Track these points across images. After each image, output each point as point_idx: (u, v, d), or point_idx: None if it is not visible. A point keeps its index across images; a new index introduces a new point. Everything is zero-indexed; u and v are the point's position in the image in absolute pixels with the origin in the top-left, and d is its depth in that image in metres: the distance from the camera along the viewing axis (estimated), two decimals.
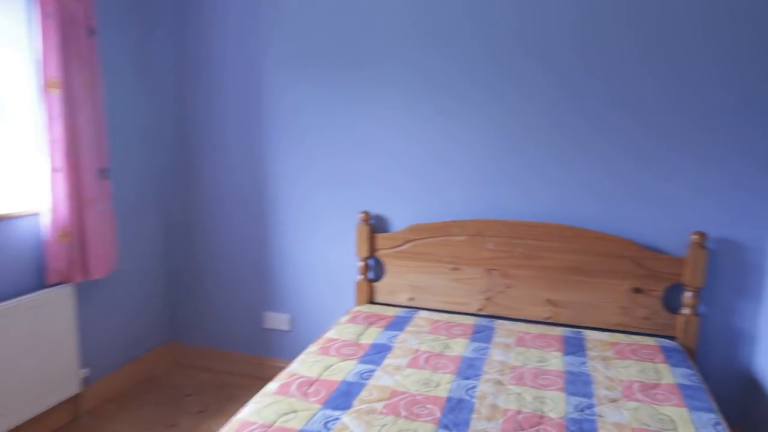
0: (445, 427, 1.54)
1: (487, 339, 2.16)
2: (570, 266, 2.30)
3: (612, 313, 2.28)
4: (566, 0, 2.20)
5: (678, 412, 1.63)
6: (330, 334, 2.19)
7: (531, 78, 2.29)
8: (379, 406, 1.64)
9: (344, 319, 2.37)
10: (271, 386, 1.76)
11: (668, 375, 1.87)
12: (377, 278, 2.62)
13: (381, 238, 2.54)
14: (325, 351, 2.03)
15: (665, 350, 2.07)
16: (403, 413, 1.60)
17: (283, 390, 1.73)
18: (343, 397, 1.69)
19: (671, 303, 2.25)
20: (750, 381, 2.19)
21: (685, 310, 2.18)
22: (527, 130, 2.33)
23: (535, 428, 1.54)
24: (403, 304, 2.55)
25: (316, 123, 2.60)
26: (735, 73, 2.06)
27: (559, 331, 2.26)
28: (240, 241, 2.83)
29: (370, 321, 2.33)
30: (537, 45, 2.26)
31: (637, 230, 2.25)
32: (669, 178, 2.19)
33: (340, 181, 2.62)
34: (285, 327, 2.84)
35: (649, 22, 2.12)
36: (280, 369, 2.83)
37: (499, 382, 1.81)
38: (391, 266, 2.54)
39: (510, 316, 2.41)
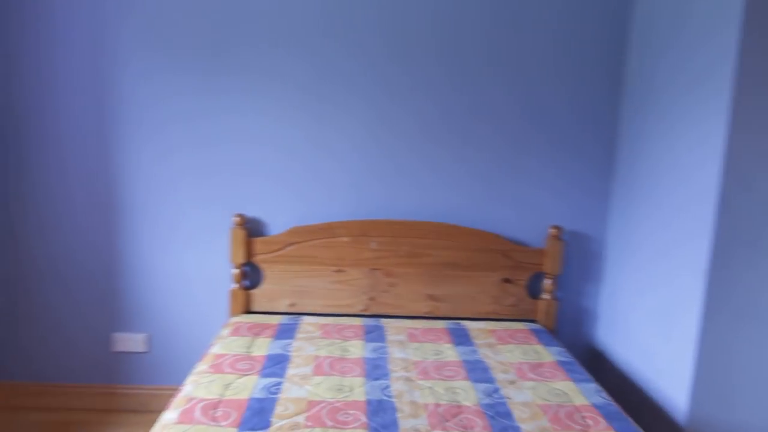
0: (376, 430, 1.50)
1: (381, 338, 2.17)
2: (447, 262, 2.43)
3: (485, 303, 2.46)
4: (427, 12, 2.31)
5: (567, 386, 1.83)
6: (216, 349, 1.99)
7: (401, 86, 2.36)
8: (301, 419, 1.54)
9: (226, 332, 2.17)
10: (170, 416, 1.54)
11: (546, 354, 2.09)
12: (253, 286, 2.46)
13: (259, 243, 2.39)
14: (217, 368, 1.83)
15: (535, 333, 2.30)
16: (329, 423, 1.53)
17: (186, 418, 1.52)
18: (258, 416, 1.55)
19: (533, 290, 2.52)
20: (594, 352, 2.55)
21: (545, 296, 2.46)
22: (401, 135, 2.39)
23: (458, 418, 1.60)
24: (284, 311, 2.43)
25: (180, 114, 2.35)
26: (573, 89, 2.38)
27: (442, 324, 2.37)
28: (80, 250, 2.41)
29: (255, 332, 2.17)
30: (406, 56, 2.33)
31: (504, 226, 2.47)
32: (525, 180, 2.44)
33: (211, 181, 2.40)
34: (140, 348, 2.50)
35: (501, 39, 2.33)
36: (138, 397, 2.49)
37: (408, 379, 1.83)
38: (270, 272, 2.41)
39: (394, 314, 2.45)
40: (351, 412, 1.60)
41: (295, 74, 2.34)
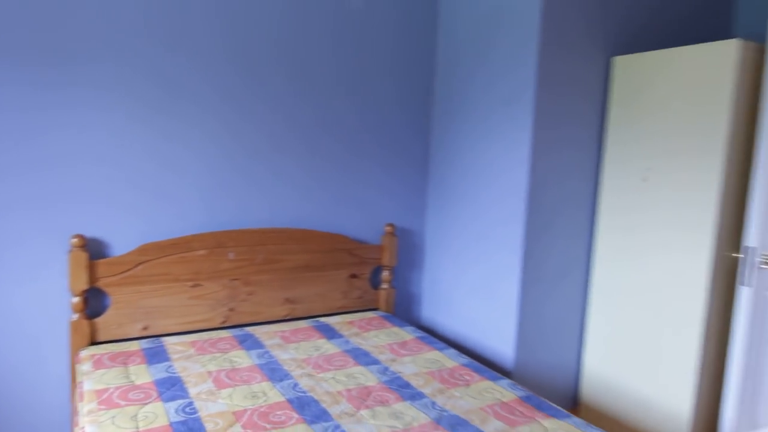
0: (314, 422, 1.62)
1: (259, 345, 2.22)
2: (301, 265, 2.58)
3: (336, 298, 2.69)
4: (273, 32, 2.43)
5: (435, 355, 2.20)
6: (90, 386, 1.78)
7: (249, 101, 2.42)
8: (239, 429, 1.56)
9: (86, 367, 1.93)
10: None
11: (405, 334, 2.43)
12: (96, 314, 2.21)
13: (103, 265, 2.16)
14: (109, 403, 1.67)
15: (385, 318, 2.63)
16: (268, 426, 1.58)
17: None
18: None
19: (374, 282, 2.84)
20: (424, 328, 3.00)
21: (385, 286, 2.81)
22: (251, 149, 2.45)
23: (372, 396, 1.81)
24: (137, 336, 2.25)
25: (6, 133, 1.98)
26: (400, 104, 2.79)
27: (304, 323, 2.51)
28: None
29: (121, 360, 1.99)
30: (254, 73, 2.41)
31: (349, 227, 2.73)
32: (364, 183, 2.75)
33: (46, 205, 2.07)
34: None
35: (342, 58, 2.61)
36: None
37: (309, 375, 1.95)
38: (118, 296, 2.20)
39: (254, 322, 2.49)
40: (279, 412, 1.67)
41: (141, 90, 2.19)
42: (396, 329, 2.48)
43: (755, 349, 2.13)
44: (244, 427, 1.57)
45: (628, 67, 2.45)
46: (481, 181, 2.57)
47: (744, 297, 2.09)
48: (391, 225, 2.77)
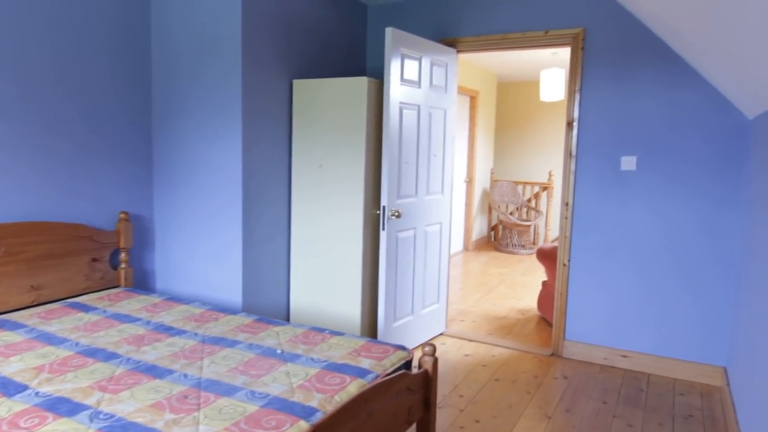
0: (109, 359, 2.14)
1: (21, 325, 2.48)
2: (44, 254, 2.84)
3: (80, 281, 3.02)
4: None
5: (186, 308, 2.85)
6: None
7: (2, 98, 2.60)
8: (46, 375, 1.98)
9: None
10: None
11: (152, 299, 2.98)
12: None
13: None
14: None
15: (130, 291, 3.10)
16: (70, 368, 2.04)
17: None
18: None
19: (114, 263, 3.25)
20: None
21: (123, 266, 3.25)
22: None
23: (146, 339, 2.39)
24: None
25: None
26: (127, 108, 3.24)
27: (55, 305, 2.80)
28: None
29: None
30: None
31: (87, 216, 3.08)
32: (96, 179, 3.13)
33: None
34: None
35: (68, 66, 2.94)
36: None
37: (85, 336, 2.39)
38: None
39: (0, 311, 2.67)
40: (73, 361, 2.12)
41: None
42: (143, 297, 3.01)
43: (393, 270, 3.44)
44: (49, 372, 1.99)
45: (303, 88, 3.47)
46: (206, 173, 3.27)
47: (383, 238, 3.36)
48: (125, 212, 3.22)
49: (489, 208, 8.19)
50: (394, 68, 3.29)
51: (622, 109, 3.47)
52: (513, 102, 8.90)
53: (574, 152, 3.61)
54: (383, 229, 3.34)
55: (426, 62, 3.61)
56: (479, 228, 8.03)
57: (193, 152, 3.31)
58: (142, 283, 3.47)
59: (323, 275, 3.51)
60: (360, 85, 3.31)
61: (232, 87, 3.11)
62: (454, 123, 4.01)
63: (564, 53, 6.24)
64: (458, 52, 3.96)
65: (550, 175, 7.77)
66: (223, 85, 3.14)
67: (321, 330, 2.55)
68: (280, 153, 3.46)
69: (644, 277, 3.48)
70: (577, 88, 3.57)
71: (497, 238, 8.35)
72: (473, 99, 7.43)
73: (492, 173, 8.15)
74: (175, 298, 3.00)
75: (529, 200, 8.06)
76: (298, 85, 3.49)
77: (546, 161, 8.71)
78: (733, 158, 3.23)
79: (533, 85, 8.72)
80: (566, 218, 3.67)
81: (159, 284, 3.54)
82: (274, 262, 3.48)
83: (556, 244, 4.53)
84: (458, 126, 7.17)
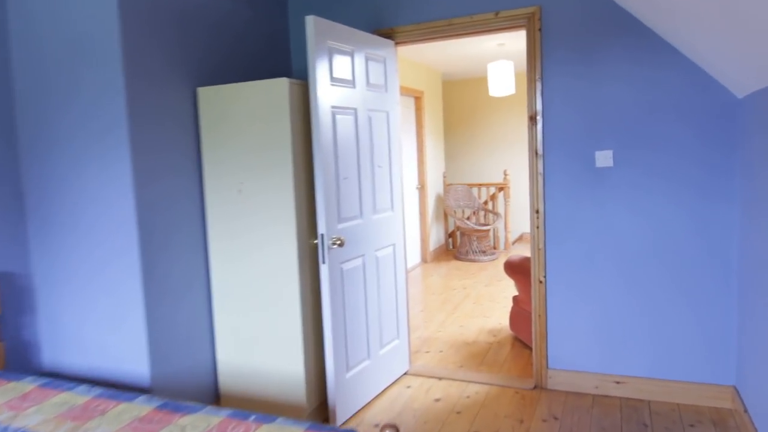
0: None
1: None
2: None
3: None
4: None
5: (66, 397, 2.14)
6: None
7: None
8: None
9: None
10: None
11: (23, 386, 2.25)
12: None
13: None
14: None
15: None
16: None
17: None
18: None
19: None
20: (48, 373, 2.79)
21: None
22: None
23: None
24: None
25: None
26: None
27: None
28: None
29: None
30: None
31: None
32: None
33: None
34: None
35: None
36: None
37: None
38: None
39: None
40: None
41: None
42: (12, 384, 2.28)
43: (340, 310, 2.82)
44: None
45: (210, 97, 2.82)
46: (92, 214, 2.57)
47: (324, 272, 2.74)
48: None
49: (445, 214, 7.68)
50: (320, 66, 2.69)
51: (591, 96, 2.98)
52: (460, 100, 8.45)
53: (540, 150, 3.10)
54: (323, 261, 2.73)
55: (360, 57, 3.02)
56: (436, 236, 7.51)
57: (73, 189, 2.60)
58: (21, 360, 2.72)
59: (255, 326, 2.86)
60: (280, 88, 2.69)
61: (115, 103, 2.43)
62: (400, 126, 3.44)
63: (511, 44, 5.80)
64: (397, 44, 3.40)
65: (506, 174, 7.34)
66: (105, 102, 2.46)
67: (245, 416, 1.90)
68: (187, 180, 2.80)
69: (633, 287, 2.99)
70: (537, 76, 3.07)
71: (456, 245, 7.86)
72: (418, 99, 6.91)
73: (445, 177, 7.65)
74: (53, 383, 2.28)
75: (485, 203, 7.61)
76: (205, 94, 2.83)
77: (500, 160, 8.29)
78: (722, 143, 2.78)
79: (480, 81, 8.30)
80: (538, 227, 3.15)
81: (46, 357, 2.80)
82: (191, 317, 2.80)
83: (524, 255, 4.03)
84: (404, 129, 6.62)
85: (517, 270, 3.82)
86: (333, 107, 2.79)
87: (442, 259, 7.30)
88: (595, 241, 3.04)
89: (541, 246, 3.14)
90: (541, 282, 3.16)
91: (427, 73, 7.14)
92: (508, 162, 8.23)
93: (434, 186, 7.43)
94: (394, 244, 3.37)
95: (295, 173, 2.72)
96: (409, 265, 6.70)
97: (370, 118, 3.12)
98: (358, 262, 3.00)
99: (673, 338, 2.94)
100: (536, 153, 3.11)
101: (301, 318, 2.77)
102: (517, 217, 8.31)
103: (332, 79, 2.79)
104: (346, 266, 2.89)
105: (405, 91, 6.43)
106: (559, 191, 3.09)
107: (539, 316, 3.18)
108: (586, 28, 2.95)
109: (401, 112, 6.42)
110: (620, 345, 3.04)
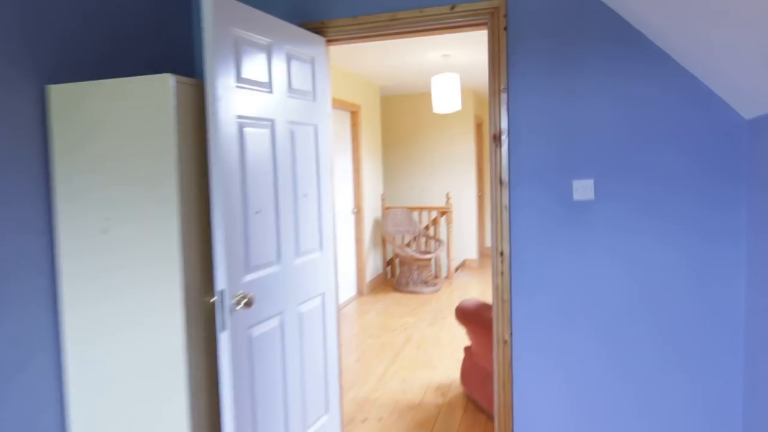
0: None
1: None
2: None
3: None
4: None
5: None
6: None
7: None
8: None
9: None
10: None
11: None
12: None
13: None
14: None
15: None
16: None
17: None
18: None
19: None
20: None
21: None
22: None
23: None
24: None
25: None
26: None
27: None
28: None
29: None
30: None
31: None
32: None
33: None
34: None
35: None
36: None
37: None
38: None
39: None
40: None
41: None
42: None
43: (246, 392, 2.07)
44: None
45: (68, 98, 2.02)
46: None
47: (224, 343, 1.98)
48: None
49: (383, 240, 7.03)
50: (222, 61, 1.96)
51: (568, 112, 2.42)
52: (400, 117, 7.89)
53: (505, 178, 2.50)
54: (223, 329, 1.97)
55: (279, 54, 2.32)
56: (373, 265, 6.84)
57: None
58: None
59: (129, 415, 2.05)
60: (161, 88, 1.93)
61: None
62: (331, 144, 2.75)
63: (457, 55, 5.27)
64: (329, 41, 2.72)
65: (448, 197, 6.79)
66: None
67: None
68: (28, 215, 1.97)
69: (619, 351, 2.42)
70: (502, 86, 2.47)
71: (395, 274, 7.21)
72: (354, 114, 6.26)
73: (383, 200, 7.02)
74: None
75: (427, 228, 7.03)
76: (59, 94, 2.03)
77: (443, 182, 7.77)
78: (725, 172, 2.28)
79: (421, 97, 7.78)
80: (502, 274, 2.53)
81: None
82: (26, 410, 1.95)
83: (478, 300, 3.42)
84: (339, 147, 5.94)
85: (472, 319, 3.19)
86: (240, 117, 2.06)
87: (380, 290, 6.62)
88: (572, 294, 2.45)
89: (506, 297, 2.52)
90: (506, 342, 2.53)
91: (364, 86, 6.52)
92: (451, 184, 7.71)
93: (372, 209, 6.78)
94: (323, 294, 2.65)
95: (183, 207, 1.96)
96: (344, 299, 5.97)
97: (292, 133, 2.41)
98: (274, 323, 2.26)
99: (667, 414, 2.38)
100: (500, 181, 2.50)
101: (189, 412, 1.99)
102: (460, 242, 7.79)
103: (240, 79, 2.07)
104: (257, 331, 2.15)
105: (339, 105, 5.76)
106: (529, 229, 2.49)
107: (503, 384, 2.55)
108: (563, 29, 2.39)
109: (335, 128, 5.74)
110: (603, 422, 2.45)
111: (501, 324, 2.54)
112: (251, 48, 2.14)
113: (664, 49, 2.27)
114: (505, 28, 2.45)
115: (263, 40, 2.22)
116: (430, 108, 7.74)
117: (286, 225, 2.35)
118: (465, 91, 7.48)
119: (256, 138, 2.16)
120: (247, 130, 2.10)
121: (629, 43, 2.32)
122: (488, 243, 8.77)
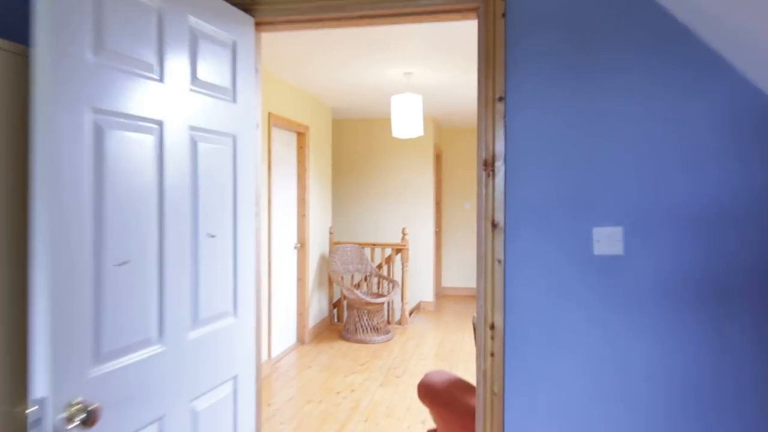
0: None
1: None
2: None
3: None
4: None
5: None
6: None
7: None
8: None
9: None
10: None
11: None
12: None
13: None
14: None
15: None
16: None
17: None
18: None
19: None
20: None
21: None
22: None
23: None
24: None
25: None
26: None
27: None
28: None
29: None
30: None
31: None
32: None
33: None
34: None
35: None
36: None
37: None
38: None
39: None
40: None
41: None
42: None
43: None
44: None
45: None
46: None
47: None
48: None
49: (329, 279, 6.21)
50: (68, 13, 1.18)
51: (587, 133, 1.75)
52: (353, 143, 7.19)
53: (499, 219, 1.79)
54: None
55: (178, 25, 1.55)
56: (318, 308, 6.00)
57: None
58: None
59: None
60: None
61: None
62: (257, 163, 1.98)
63: (420, 74, 4.63)
64: (260, 25, 1.98)
65: (404, 233, 6.08)
66: None
67: None
68: None
69: None
70: (497, 95, 1.78)
71: (342, 318, 6.38)
72: (302, 136, 5.50)
73: (331, 234, 6.23)
74: None
75: (379, 266, 6.27)
76: None
77: (398, 216, 7.07)
78: None
79: (377, 122, 7.12)
80: (492, 356, 1.79)
81: None
82: None
83: (446, 372, 2.67)
84: (282, 172, 5.14)
85: (441, 401, 2.43)
86: (100, 113, 1.27)
87: (323, 338, 5.77)
88: (591, 392, 1.74)
89: (497, 390, 1.78)
90: None
91: (314, 105, 5.79)
92: (407, 218, 7.02)
93: (318, 245, 5.97)
94: (235, 378, 1.84)
95: None
96: (282, 348, 5.09)
97: (195, 144, 1.63)
98: None
99: None
100: (493, 223, 1.79)
101: None
102: (415, 283, 7.07)
103: (100, 49, 1.29)
104: None
105: (284, 124, 4.99)
106: (531, 293, 1.78)
107: None
108: (584, 20, 1.74)
109: (278, 149, 4.96)
110: None
111: (489, 427, 1.79)
112: (125, 6, 1.37)
113: (715, 49, 1.64)
114: (504, 15, 1.77)
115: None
116: (387, 135, 7.09)
117: (176, 281, 1.54)
118: (425, 119, 6.87)
119: (129, 147, 1.37)
120: (111, 134, 1.31)
121: (669, 39, 1.69)
122: (444, 283, 8.08)
